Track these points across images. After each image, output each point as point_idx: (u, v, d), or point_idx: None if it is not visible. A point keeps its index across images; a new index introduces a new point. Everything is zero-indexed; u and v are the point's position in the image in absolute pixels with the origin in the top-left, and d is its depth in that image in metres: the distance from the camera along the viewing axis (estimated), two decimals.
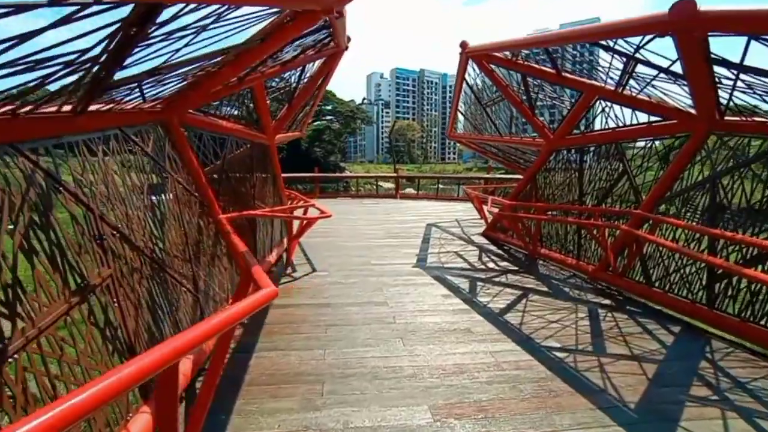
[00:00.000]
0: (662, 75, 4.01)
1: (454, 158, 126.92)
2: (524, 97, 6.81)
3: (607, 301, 4.86)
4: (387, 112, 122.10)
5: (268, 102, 5.51)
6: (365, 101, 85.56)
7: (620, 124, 5.27)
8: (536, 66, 6.01)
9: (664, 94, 4.37)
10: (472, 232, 9.54)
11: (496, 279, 5.78)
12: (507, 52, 6.18)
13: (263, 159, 5.86)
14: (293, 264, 6.29)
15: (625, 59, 4.21)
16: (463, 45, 7.16)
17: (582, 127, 6.16)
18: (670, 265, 4.53)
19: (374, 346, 3.61)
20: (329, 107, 56.75)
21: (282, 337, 3.81)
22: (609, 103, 5.33)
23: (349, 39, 6.70)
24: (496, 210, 8.44)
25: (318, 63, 6.49)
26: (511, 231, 7.91)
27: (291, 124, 7.81)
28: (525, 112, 6.74)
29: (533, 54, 6.06)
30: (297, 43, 4.51)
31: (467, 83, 8.11)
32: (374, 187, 20.29)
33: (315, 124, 57.81)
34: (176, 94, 3.48)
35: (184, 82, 3.24)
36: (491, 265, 6.59)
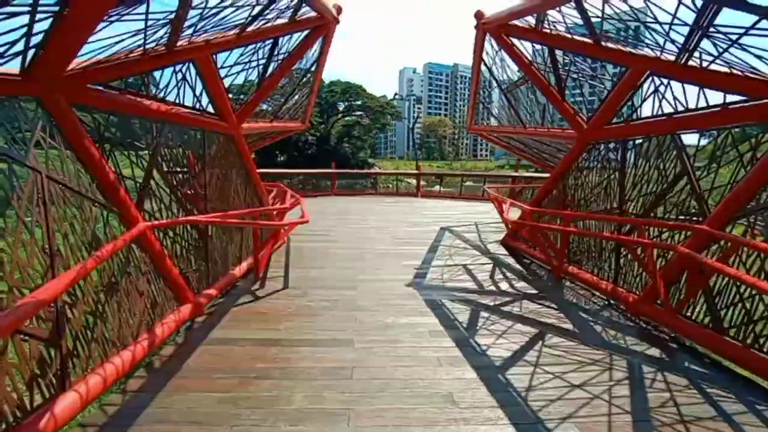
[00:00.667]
0: (762, 26, 2.62)
1: (486, 155, 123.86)
2: (553, 79, 5.47)
3: (654, 351, 3.50)
4: (419, 108, 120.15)
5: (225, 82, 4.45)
6: (397, 96, 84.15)
7: (680, 109, 3.85)
8: (566, 35, 4.65)
9: (759, 58, 2.95)
10: (491, 239, 8.22)
11: (507, 308, 4.51)
12: (530, 18, 4.85)
13: (223, 151, 4.82)
14: (263, 278, 5.25)
15: (698, 6, 2.83)
16: (479, 16, 5.86)
17: (625, 115, 4.75)
18: (754, 309, 3.14)
19: (306, 424, 2.47)
20: (359, 102, 55.88)
21: (186, 396, 2.73)
22: (665, 81, 3.92)
23: (339, 9, 5.58)
24: (515, 216, 7.13)
25: (299, 38, 5.39)
26: (531, 243, 6.58)
27: (278, 111, 6.77)
28: (552, 97, 5.38)
29: (577, 27, 4.68)
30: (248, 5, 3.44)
31: (485, 64, 6.79)
32: (402, 183, 19.05)
33: (345, 119, 57.20)
34: (48, 57, 2.46)
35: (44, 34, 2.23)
36: (504, 285, 5.30)
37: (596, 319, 4.21)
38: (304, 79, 6.85)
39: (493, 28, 5.60)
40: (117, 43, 2.94)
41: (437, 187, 18.13)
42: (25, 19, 2.11)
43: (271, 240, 5.34)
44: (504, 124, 7.64)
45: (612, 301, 4.65)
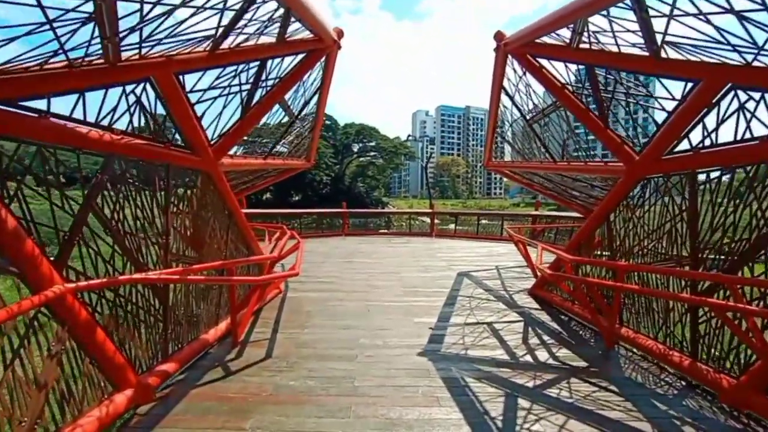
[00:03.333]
0: None
1: (500, 193, 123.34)
2: (592, 104, 4.56)
3: None
4: (432, 148, 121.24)
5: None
6: (410, 137, 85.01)
7: None
8: (612, 51, 3.77)
9: None
10: (516, 287, 7.09)
11: (552, 391, 3.35)
12: (565, 31, 4.00)
13: (196, 191, 3.96)
14: (243, 344, 4.23)
15: None
16: (499, 37, 5.09)
17: (692, 142, 3.74)
18: None
19: None
20: (372, 143, 56.33)
21: None
22: (754, 94, 2.96)
23: (340, 33, 4.87)
24: (548, 262, 6.05)
25: (293, 63, 4.65)
26: (569, 296, 5.44)
27: (274, 147, 5.97)
28: (592, 124, 4.44)
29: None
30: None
31: (506, 92, 5.95)
32: (415, 222, 17.90)
33: (359, 160, 57.55)
34: None
35: None
36: (542, 354, 4.15)
37: (680, 413, 3.02)
38: (304, 111, 6.10)
39: (517, 48, 4.79)
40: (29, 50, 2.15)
41: (452, 226, 17.05)
42: None
43: (253, 297, 4.36)
44: (530, 159, 6.71)
45: (692, 381, 3.46)
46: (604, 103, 4.29)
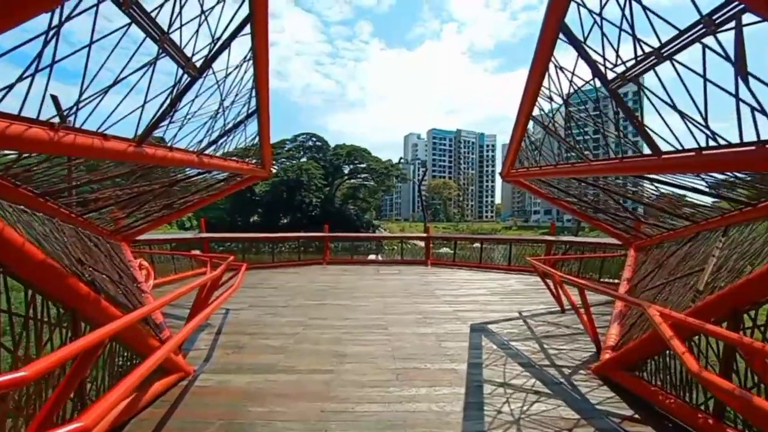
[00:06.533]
0: None
1: (491, 216, 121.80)
2: None
3: None
4: (423, 171, 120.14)
5: None
6: (402, 160, 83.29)
7: None
8: None
9: None
10: (567, 358, 4.36)
11: None
12: None
13: None
14: None
15: None
16: None
17: None
18: None
19: None
20: (363, 165, 54.10)
21: None
22: None
23: None
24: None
25: None
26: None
27: (158, 122, 3.27)
28: None
29: None
30: None
31: (567, 36, 3.37)
32: (407, 246, 14.93)
33: (350, 182, 55.19)
34: None
35: None
36: None
37: None
38: (224, 69, 3.46)
39: None
40: None
41: (445, 249, 14.26)
42: None
43: None
44: (587, 157, 4.10)
45: None
46: None
